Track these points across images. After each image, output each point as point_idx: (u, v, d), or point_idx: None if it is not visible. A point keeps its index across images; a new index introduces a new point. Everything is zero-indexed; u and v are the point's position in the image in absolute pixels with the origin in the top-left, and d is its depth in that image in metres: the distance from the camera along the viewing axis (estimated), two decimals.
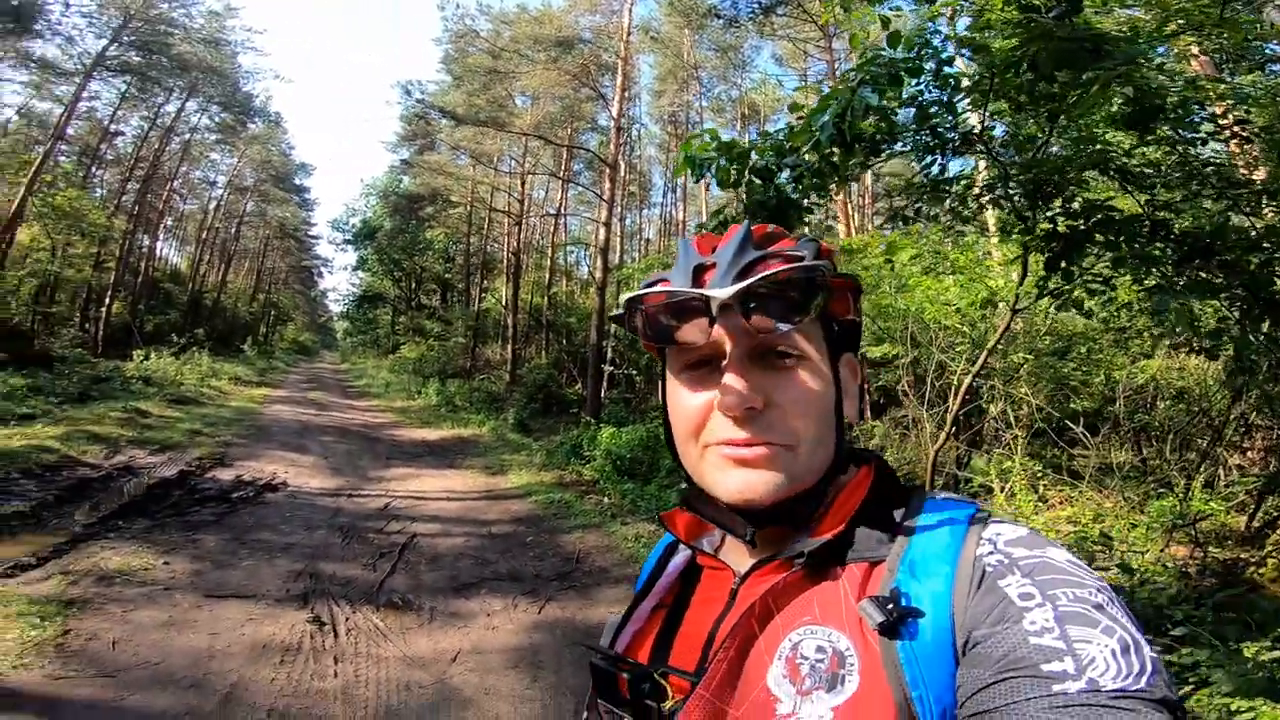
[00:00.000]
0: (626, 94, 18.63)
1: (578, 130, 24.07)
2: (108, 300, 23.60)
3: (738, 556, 0.72)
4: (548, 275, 25.78)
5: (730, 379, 0.63)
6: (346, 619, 4.46)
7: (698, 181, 3.18)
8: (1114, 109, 2.86)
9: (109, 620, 4.08)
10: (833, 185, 2.86)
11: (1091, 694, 0.46)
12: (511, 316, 22.67)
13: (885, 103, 2.43)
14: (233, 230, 40.65)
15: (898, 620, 0.55)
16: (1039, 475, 6.63)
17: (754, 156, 2.66)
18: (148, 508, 6.89)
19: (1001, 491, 6.53)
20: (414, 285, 34.13)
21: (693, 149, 2.77)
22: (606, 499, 8.43)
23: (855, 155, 2.64)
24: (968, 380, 4.88)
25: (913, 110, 2.74)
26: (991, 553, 0.59)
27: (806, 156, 2.61)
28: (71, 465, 8.89)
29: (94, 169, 25.69)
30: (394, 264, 32.22)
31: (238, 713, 3.24)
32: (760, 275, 0.64)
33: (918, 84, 2.57)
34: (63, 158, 22.82)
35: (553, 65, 18.60)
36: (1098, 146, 3.13)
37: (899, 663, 0.54)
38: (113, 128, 25.39)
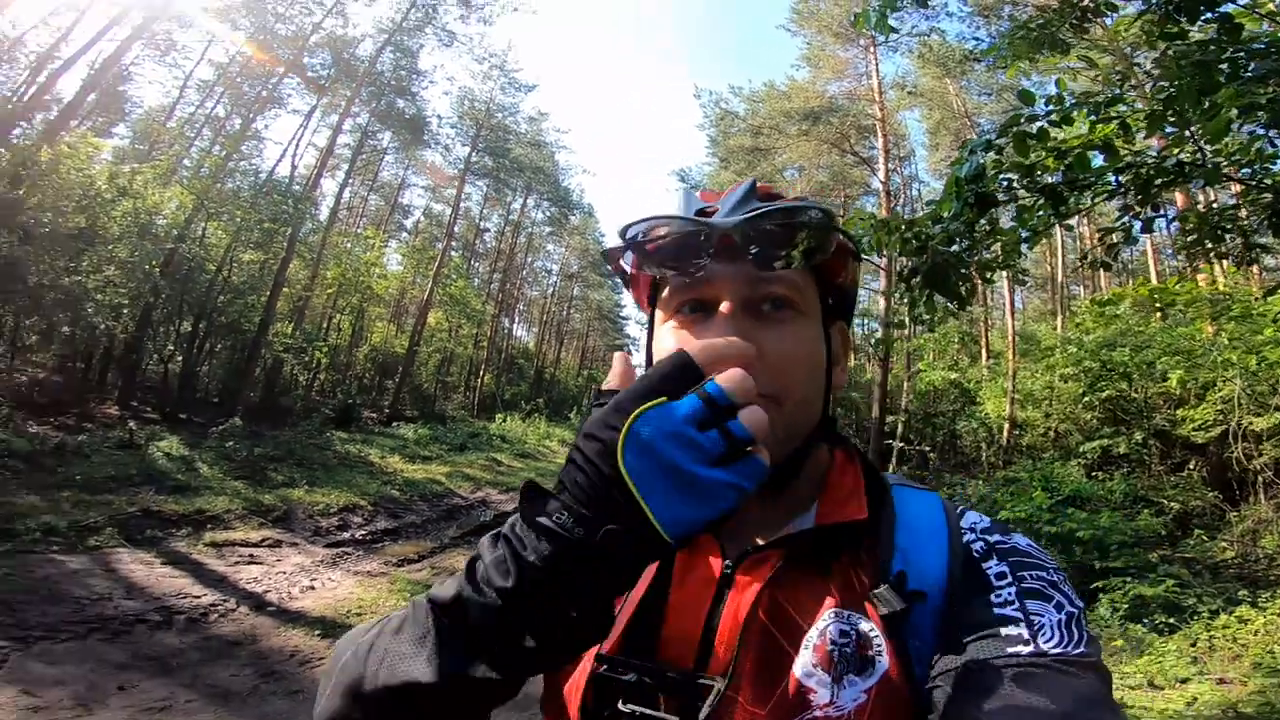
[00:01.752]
0: (894, 153, 18.26)
1: (850, 197, 23.69)
2: (481, 372, 30.93)
3: (727, 532, 0.68)
4: None
5: (722, 326, 0.62)
6: None
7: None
8: None
9: None
10: (988, 244, 3.00)
11: (1038, 656, 0.53)
12: None
13: (1034, 158, 2.59)
14: (564, 313, 49.09)
15: (908, 604, 0.59)
16: None
17: (901, 227, 2.98)
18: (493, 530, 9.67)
19: None
20: None
21: (850, 228, 3.11)
22: None
23: (985, 215, 2.80)
24: None
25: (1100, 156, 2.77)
26: (974, 540, 0.65)
27: (950, 225, 2.83)
28: (449, 495, 12.23)
29: (471, 260, 34.15)
30: None
31: None
32: (764, 208, 0.65)
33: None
34: (454, 252, 30.70)
35: (807, 137, 18.98)
36: None
37: (904, 640, 0.59)
38: (481, 224, 33.53)
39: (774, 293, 0.66)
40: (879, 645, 0.58)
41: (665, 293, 0.71)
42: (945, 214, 2.86)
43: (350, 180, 25.69)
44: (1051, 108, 2.66)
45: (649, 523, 0.46)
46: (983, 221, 2.87)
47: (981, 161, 2.62)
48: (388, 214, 32.73)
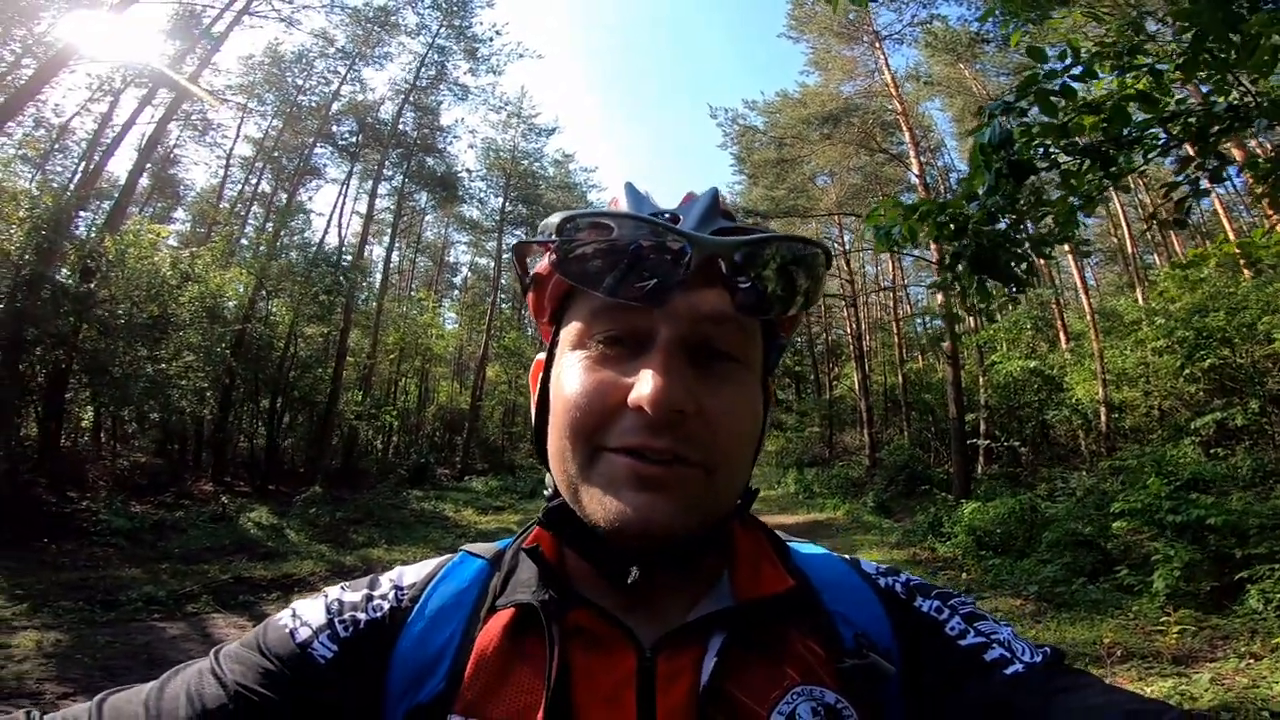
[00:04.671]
0: (923, 145, 17.93)
1: (890, 194, 23.57)
2: None
3: (627, 617, 0.57)
4: (897, 352, 25.13)
5: (661, 368, 0.51)
6: None
7: (891, 251, 3.39)
8: None
9: None
10: (1048, 220, 2.89)
11: (1033, 668, 0.53)
12: (864, 400, 22.65)
13: (1065, 117, 2.53)
14: None
15: (892, 667, 0.55)
16: None
17: (927, 210, 2.91)
18: None
19: None
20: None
21: (879, 221, 3.10)
22: (965, 575, 8.08)
23: (1024, 184, 2.71)
24: None
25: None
26: (891, 584, 0.64)
27: (988, 200, 2.73)
28: None
29: (521, 309, 35.04)
30: None
31: None
32: (764, 235, 0.56)
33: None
34: (504, 305, 31.60)
35: (829, 141, 18.85)
36: None
37: (879, 703, 0.55)
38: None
39: (722, 339, 0.55)
40: (849, 716, 0.53)
41: (579, 312, 0.58)
42: (978, 189, 2.78)
43: (396, 244, 27.08)
44: (1068, 62, 2.58)
45: None
46: (1025, 193, 2.80)
47: (1008, 127, 2.57)
48: (436, 274, 34.13)
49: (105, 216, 14.28)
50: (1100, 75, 2.63)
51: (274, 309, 16.90)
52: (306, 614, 0.59)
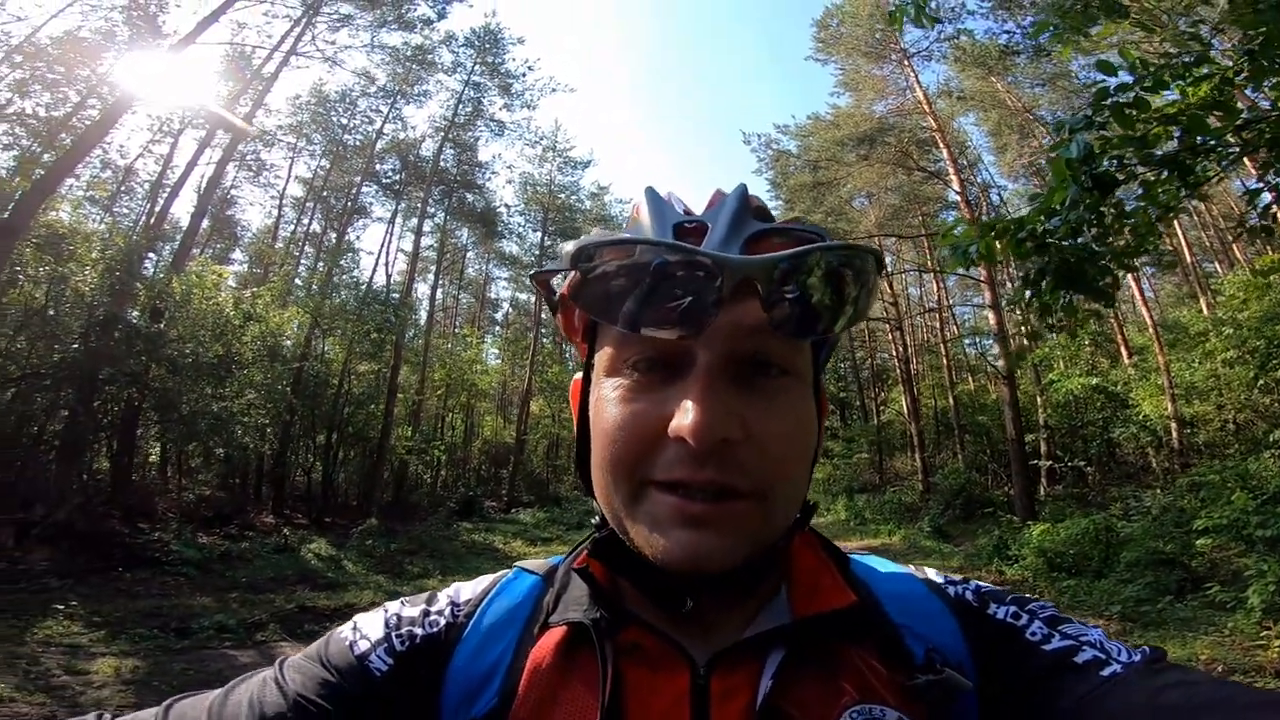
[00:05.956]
0: (962, 161, 17.85)
1: (928, 214, 23.12)
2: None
3: (680, 634, 0.56)
4: (946, 374, 24.77)
5: (702, 394, 0.48)
6: None
7: (968, 269, 3.44)
8: None
9: None
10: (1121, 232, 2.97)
11: (1128, 666, 0.50)
12: (914, 424, 22.35)
13: (1142, 129, 2.63)
14: None
15: (966, 682, 0.53)
16: None
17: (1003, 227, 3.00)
18: None
19: None
20: None
21: (953, 240, 3.14)
22: (1038, 597, 7.91)
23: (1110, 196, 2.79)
24: None
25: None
26: (961, 593, 0.62)
27: (1070, 215, 2.76)
28: None
29: (563, 344, 35.45)
30: None
31: None
32: (806, 247, 0.50)
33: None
34: (545, 340, 32.01)
35: (867, 161, 18.84)
36: None
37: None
38: None
39: (767, 350, 0.52)
40: None
41: (610, 334, 0.55)
42: (1058, 204, 2.84)
43: (440, 281, 27.86)
44: (1136, 75, 2.69)
45: None
46: (1109, 206, 2.86)
47: (1088, 140, 2.67)
48: (479, 310, 34.94)
49: (171, 257, 15.15)
50: (1169, 86, 2.74)
51: (328, 347, 17.61)
52: (366, 627, 0.61)
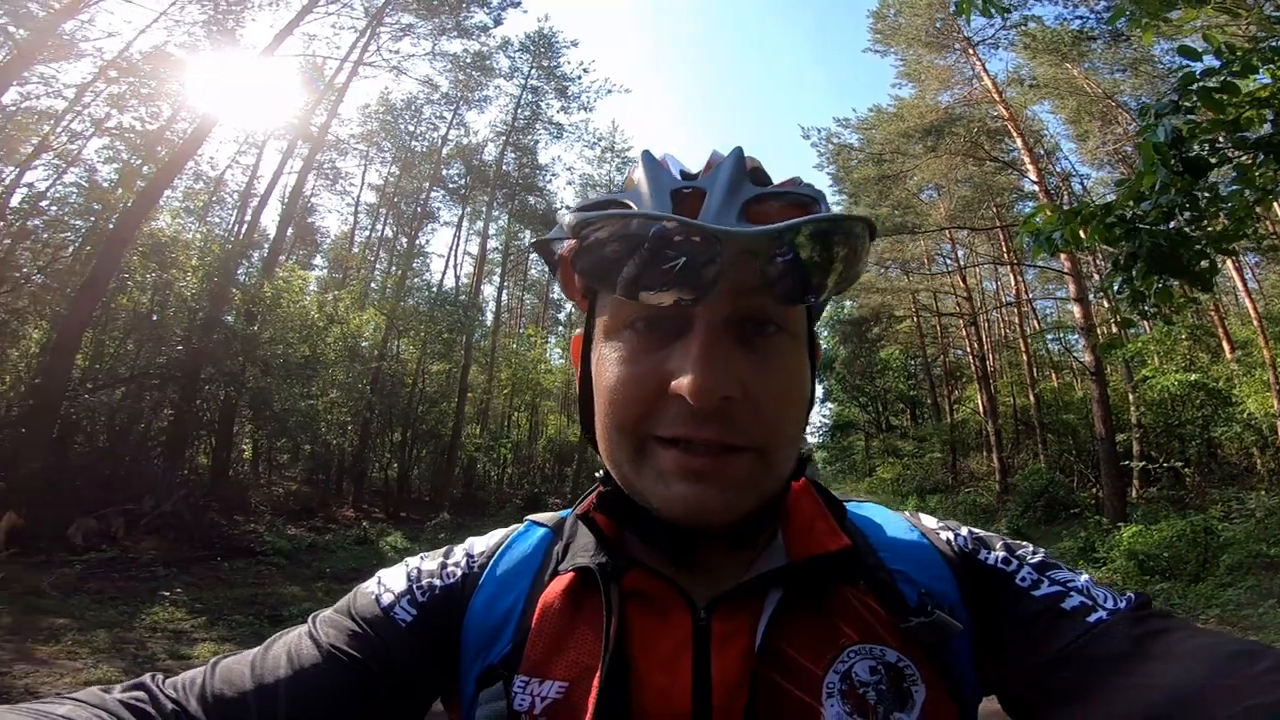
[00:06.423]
0: (1039, 150, 16.98)
1: (1002, 205, 22.14)
2: None
3: (681, 579, 0.58)
4: (1026, 371, 23.69)
5: (701, 354, 0.50)
6: None
7: (1051, 257, 3.32)
8: None
9: None
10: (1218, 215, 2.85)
11: (1113, 613, 0.52)
12: (991, 423, 21.51)
13: (1232, 113, 2.55)
14: None
15: (958, 624, 0.55)
16: None
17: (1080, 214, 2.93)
18: None
19: None
20: (881, 408, 35.33)
21: (1035, 227, 3.11)
22: None
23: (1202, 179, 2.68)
24: None
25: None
26: (952, 538, 0.64)
27: (1161, 198, 2.70)
28: None
29: None
30: (857, 390, 34.19)
31: None
32: (800, 219, 0.51)
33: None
34: None
35: (935, 153, 18.20)
36: None
37: (943, 660, 0.55)
38: None
39: (767, 310, 0.54)
40: (912, 674, 0.53)
41: (611, 297, 0.57)
42: (1147, 188, 2.79)
43: (505, 283, 28.61)
44: (1223, 60, 2.61)
45: None
46: (1202, 189, 2.78)
47: (1175, 124, 2.61)
48: (543, 310, 35.65)
49: (261, 263, 16.17)
50: (1258, 70, 2.64)
51: (402, 347, 18.42)
52: (390, 581, 0.64)
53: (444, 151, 23.15)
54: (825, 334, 38.69)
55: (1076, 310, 14.62)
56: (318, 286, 18.48)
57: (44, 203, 13.33)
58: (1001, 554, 0.61)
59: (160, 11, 13.79)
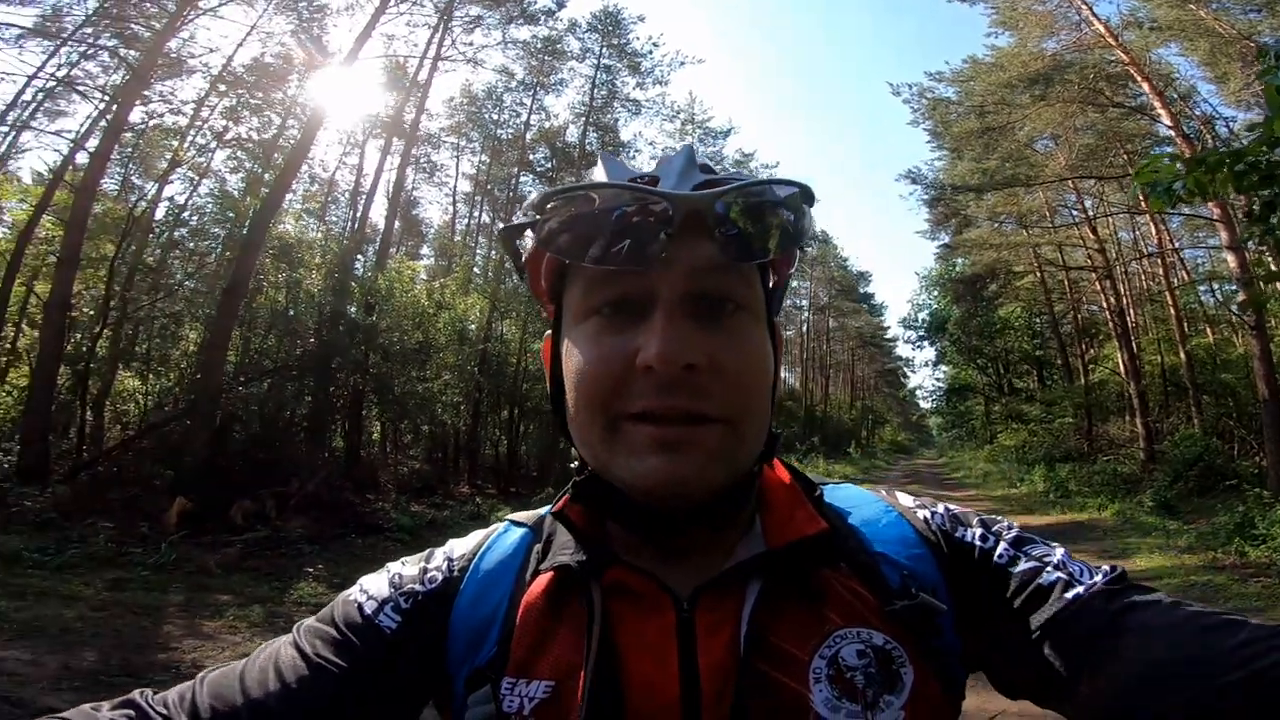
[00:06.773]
0: (1171, 94, 14.99)
1: (1137, 151, 19.89)
2: None
3: (663, 571, 0.59)
4: (1176, 327, 21.33)
5: (664, 325, 0.53)
6: None
7: (1173, 205, 3.00)
8: None
9: None
10: None
11: (1090, 588, 0.54)
12: (1134, 384, 19.66)
13: None
14: (824, 346, 48.17)
15: (941, 606, 0.56)
16: None
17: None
18: None
19: None
20: (1002, 370, 33.10)
21: (1150, 177, 2.85)
22: None
23: None
24: None
25: None
26: (929, 517, 0.65)
27: None
28: None
29: None
30: (974, 351, 32.21)
31: None
32: (741, 181, 0.57)
33: None
34: None
35: (1046, 101, 16.73)
36: None
37: (929, 644, 0.56)
38: None
39: (722, 287, 0.57)
40: (900, 657, 0.54)
41: (577, 285, 0.60)
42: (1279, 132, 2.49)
43: None
44: None
45: None
46: None
47: None
48: None
49: (374, 257, 17.36)
50: None
51: (505, 329, 19.23)
52: (372, 588, 0.64)
53: (528, 137, 23.68)
54: (936, 293, 36.55)
55: (1231, 259, 12.99)
56: (426, 275, 19.58)
57: (185, 214, 14.84)
58: (979, 530, 0.62)
59: (250, 26, 14.87)
